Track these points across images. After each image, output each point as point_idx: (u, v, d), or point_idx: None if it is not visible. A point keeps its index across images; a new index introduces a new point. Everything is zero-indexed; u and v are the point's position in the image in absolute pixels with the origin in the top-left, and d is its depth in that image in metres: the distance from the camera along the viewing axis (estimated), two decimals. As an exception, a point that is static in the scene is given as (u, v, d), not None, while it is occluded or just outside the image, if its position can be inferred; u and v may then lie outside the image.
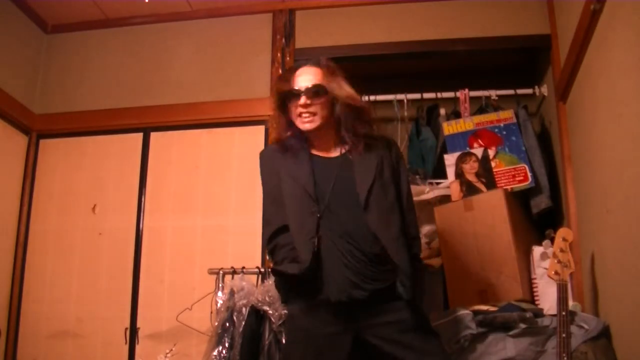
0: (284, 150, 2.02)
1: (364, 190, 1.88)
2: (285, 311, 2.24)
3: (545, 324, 2.22)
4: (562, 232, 2.18)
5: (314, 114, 1.94)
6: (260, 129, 3.19)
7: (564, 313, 2.00)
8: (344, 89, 1.96)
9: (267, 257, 2.05)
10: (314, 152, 2.01)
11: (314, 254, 1.81)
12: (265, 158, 2.08)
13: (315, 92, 1.93)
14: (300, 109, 1.94)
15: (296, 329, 1.91)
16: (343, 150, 1.98)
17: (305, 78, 1.95)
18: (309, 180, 1.91)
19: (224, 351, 2.36)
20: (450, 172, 2.93)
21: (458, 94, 3.15)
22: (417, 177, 2.94)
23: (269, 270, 2.57)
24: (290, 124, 2.01)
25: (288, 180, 1.96)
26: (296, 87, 1.94)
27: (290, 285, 1.88)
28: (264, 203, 2.03)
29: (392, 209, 1.91)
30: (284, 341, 2.28)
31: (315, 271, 1.81)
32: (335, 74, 1.98)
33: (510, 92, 3.17)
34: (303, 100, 1.93)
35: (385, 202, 1.90)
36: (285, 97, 1.98)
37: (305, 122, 1.95)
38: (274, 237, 1.92)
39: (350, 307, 1.82)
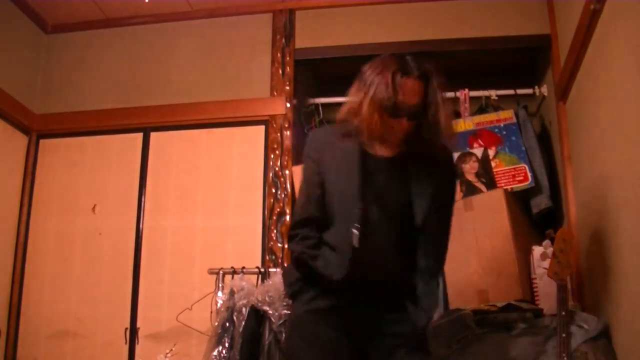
0: (338, 138, 1.84)
1: (421, 212, 1.76)
2: (285, 311, 2.24)
3: (545, 324, 2.22)
4: (562, 232, 2.18)
5: (402, 137, 1.79)
6: (260, 129, 3.19)
7: (564, 313, 2.00)
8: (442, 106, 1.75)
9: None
10: (368, 149, 1.82)
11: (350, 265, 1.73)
12: (315, 141, 1.92)
13: (416, 116, 1.73)
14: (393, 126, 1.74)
15: (301, 328, 1.86)
16: (400, 151, 1.83)
17: (412, 94, 1.71)
18: (355, 182, 1.77)
19: (224, 351, 2.36)
20: (450, 172, 2.93)
21: (458, 94, 3.15)
22: (417, 177, 2.93)
23: (268, 269, 2.58)
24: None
25: (334, 174, 1.83)
26: (401, 102, 1.70)
27: (303, 284, 1.82)
28: (300, 186, 1.92)
29: (441, 233, 1.83)
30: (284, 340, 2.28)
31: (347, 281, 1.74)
32: (443, 89, 1.76)
33: (510, 92, 3.17)
34: (403, 123, 1.73)
35: (435, 225, 1.80)
36: (386, 108, 1.70)
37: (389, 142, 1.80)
38: (298, 227, 1.85)
39: (356, 314, 1.79)
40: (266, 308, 2.37)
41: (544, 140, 3.14)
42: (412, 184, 1.79)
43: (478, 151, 2.95)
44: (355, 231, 1.72)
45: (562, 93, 2.78)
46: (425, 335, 1.87)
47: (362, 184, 1.77)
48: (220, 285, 2.61)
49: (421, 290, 1.78)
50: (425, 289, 1.78)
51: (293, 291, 1.86)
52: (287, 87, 3.21)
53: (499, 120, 3.02)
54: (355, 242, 1.72)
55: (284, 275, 1.96)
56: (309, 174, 1.90)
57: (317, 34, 3.28)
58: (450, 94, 3.18)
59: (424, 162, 1.81)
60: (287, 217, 3.02)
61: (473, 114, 3.12)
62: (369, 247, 1.75)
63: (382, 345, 1.80)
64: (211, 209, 3.15)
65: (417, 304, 1.77)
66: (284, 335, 2.28)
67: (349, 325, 1.80)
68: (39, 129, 3.41)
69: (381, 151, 1.84)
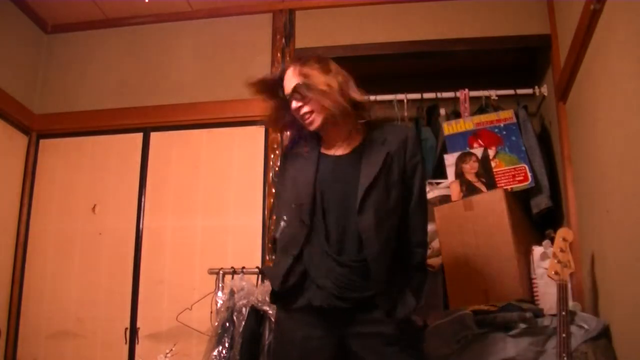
0: (297, 151, 1.97)
1: (360, 192, 1.80)
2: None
3: (545, 324, 2.22)
4: (562, 232, 2.18)
5: (310, 113, 1.86)
6: (260, 129, 3.19)
7: (564, 313, 2.00)
8: (318, 78, 1.85)
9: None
10: (324, 150, 1.93)
11: (292, 266, 1.82)
12: (282, 157, 2.08)
13: (297, 92, 1.86)
14: (296, 114, 1.89)
15: (281, 331, 1.90)
16: (355, 146, 1.90)
17: (287, 81, 1.90)
18: (308, 188, 1.84)
19: (224, 351, 2.36)
20: (450, 172, 2.93)
21: (458, 94, 3.14)
22: (417, 177, 2.94)
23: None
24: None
25: (290, 186, 1.93)
26: (285, 95, 1.90)
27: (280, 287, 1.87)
28: (276, 202, 2.11)
29: (390, 214, 1.82)
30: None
31: (294, 283, 1.81)
32: (310, 66, 1.88)
33: (510, 92, 3.17)
34: (293, 105, 1.87)
35: (385, 205, 1.81)
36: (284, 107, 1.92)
37: (307, 124, 1.89)
38: (275, 241, 1.97)
39: (333, 313, 1.78)
40: (266, 308, 2.38)
41: (544, 140, 3.14)
42: (361, 168, 1.84)
43: (478, 151, 2.95)
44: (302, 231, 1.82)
45: (562, 93, 2.78)
46: (414, 332, 1.89)
47: (315, 190, 1.84)
48: (220, 285, 2.61)
49: (379, 278, 1.78)
50: (380, 276, 1.78)
51: (273, 294, 1.91)
52: (287, 87, 3.21)
53: (499, 120, 3.02)
54: (295, 251, 1.82)
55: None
56: (277, 191, 2.08)
57: (317, 34, 3.28)
58: (450, 94, 3.20)
59: (377, 146, 1.88)
60: (287, 217, 3.02)
61: (473, 114, 3.12)
62: (318, 248, 1.80)
63: (366, 344, 1.79)
64: (211, 208, 3.15)
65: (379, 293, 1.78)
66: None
67: (327, 323, 1.80)
68: (39, 129, 3.41)
69: (337, 151, 1.92)
